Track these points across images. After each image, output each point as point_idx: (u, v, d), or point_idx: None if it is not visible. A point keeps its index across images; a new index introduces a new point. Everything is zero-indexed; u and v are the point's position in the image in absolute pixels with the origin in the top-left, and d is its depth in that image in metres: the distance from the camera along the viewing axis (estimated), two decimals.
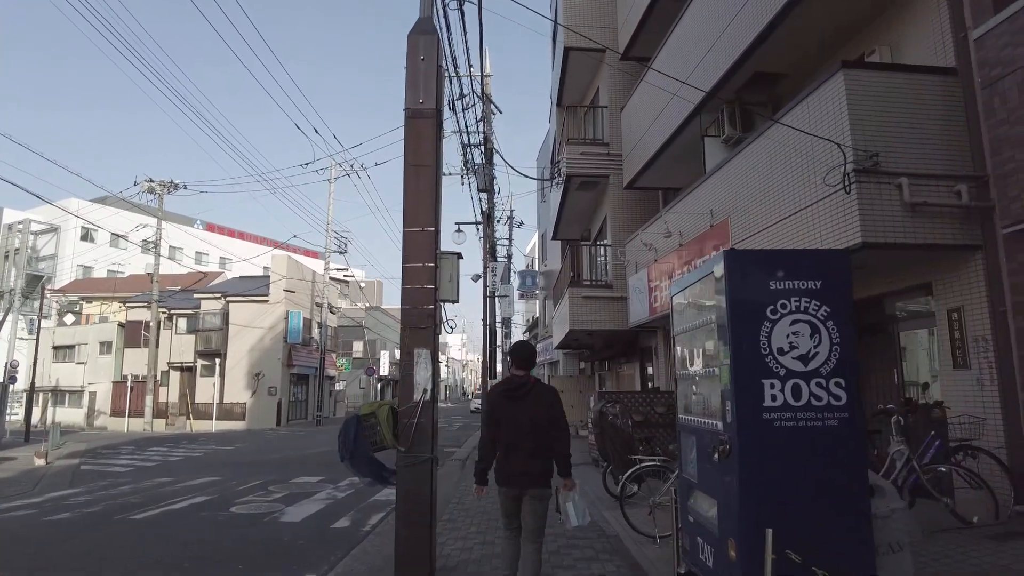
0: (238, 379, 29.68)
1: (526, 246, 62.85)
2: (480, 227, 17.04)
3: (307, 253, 51.66)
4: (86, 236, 48.03)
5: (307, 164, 30.21)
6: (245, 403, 29.04)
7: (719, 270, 3.53)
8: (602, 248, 15.69)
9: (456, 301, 5.06)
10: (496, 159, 19.95)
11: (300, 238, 41.07)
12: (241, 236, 61.28)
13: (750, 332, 3.39)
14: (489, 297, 15.64)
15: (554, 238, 20.35)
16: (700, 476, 3.90)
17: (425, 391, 4.53)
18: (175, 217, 37.54)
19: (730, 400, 3.39)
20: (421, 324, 4.61)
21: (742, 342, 3.39)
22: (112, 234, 33.38)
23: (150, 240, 32.46)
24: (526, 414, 3.83)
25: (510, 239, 37.38)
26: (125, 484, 11.18)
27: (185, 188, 31.98)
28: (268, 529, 7.24)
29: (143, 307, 31.36)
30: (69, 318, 38.01)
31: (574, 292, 13.73)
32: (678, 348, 4.52)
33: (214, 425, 28.32)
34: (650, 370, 14.53)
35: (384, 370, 48.64)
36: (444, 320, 5.34)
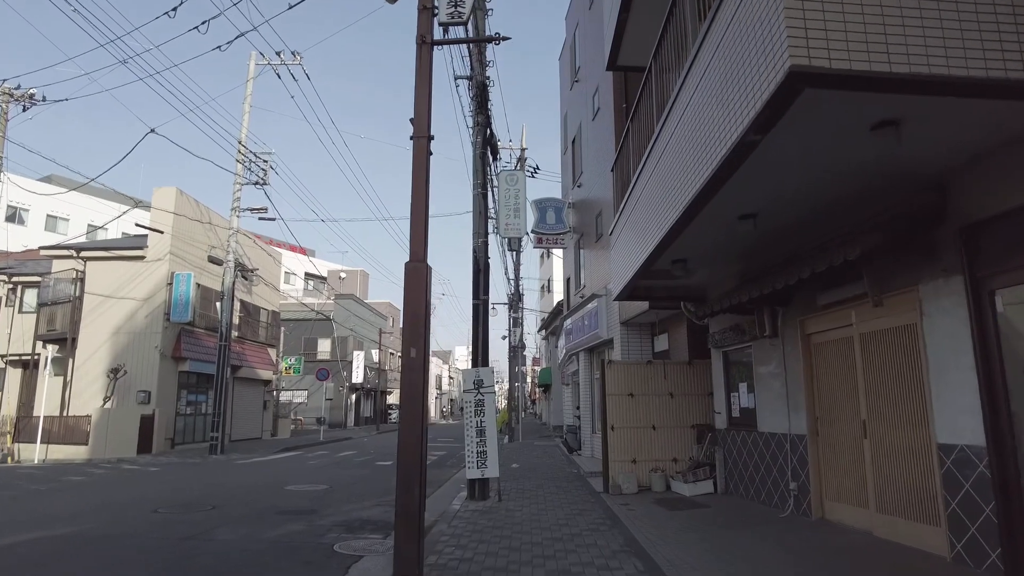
0: (96, 378, 19.07)
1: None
2: None
3: (294, 249, 40.54)
4: (13, 217, 39.36)
5: (172, 12, 15.54)
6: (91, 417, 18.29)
7: None
8: None
9: None
10: None
11: (220, 166, 29.01)
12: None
13: None
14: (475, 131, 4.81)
15: (611, 66, 9.56)
16: None
17: None
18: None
19: None
20: None
21: None
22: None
23: None
24: None
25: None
26: None
27: (43, 100, 21.95)
28: None
29: None
30: None
31: None
32: None
33: (44, 452, 17.63)
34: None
35: (358, 376, 37.72)
36: None
